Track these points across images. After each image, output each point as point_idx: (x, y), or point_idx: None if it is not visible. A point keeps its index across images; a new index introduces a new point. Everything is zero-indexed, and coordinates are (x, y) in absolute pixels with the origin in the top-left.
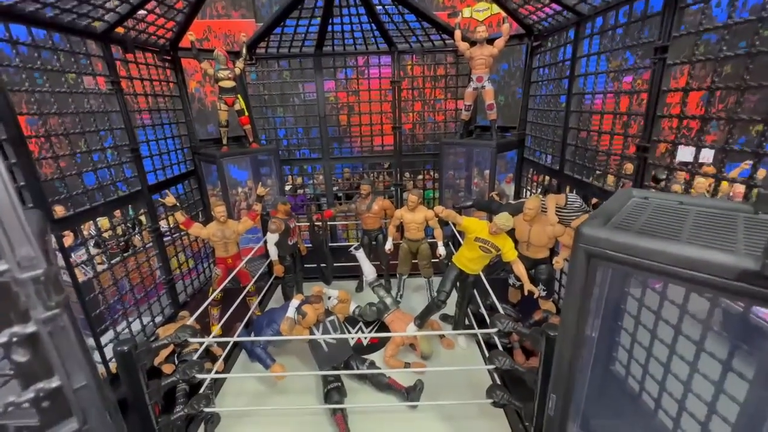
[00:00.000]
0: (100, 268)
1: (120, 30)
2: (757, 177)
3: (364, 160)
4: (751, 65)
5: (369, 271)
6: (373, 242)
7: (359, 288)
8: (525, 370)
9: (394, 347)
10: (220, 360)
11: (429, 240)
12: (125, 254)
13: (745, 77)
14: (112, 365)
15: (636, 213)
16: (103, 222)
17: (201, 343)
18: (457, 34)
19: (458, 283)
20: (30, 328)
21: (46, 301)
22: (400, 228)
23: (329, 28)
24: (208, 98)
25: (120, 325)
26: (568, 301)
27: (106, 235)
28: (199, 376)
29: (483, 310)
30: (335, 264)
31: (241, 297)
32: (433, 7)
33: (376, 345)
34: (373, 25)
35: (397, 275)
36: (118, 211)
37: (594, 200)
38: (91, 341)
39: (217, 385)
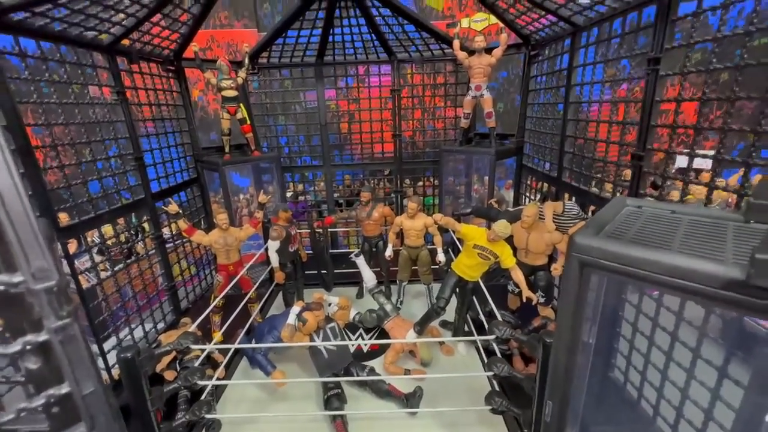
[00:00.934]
0: (103, 275)
1: (125, 42)
2: (754, 183)
3: (365, 167)
4: (740, 77)
5: (369, 277)
6: (374, 249)
7: (359, 295)
8: (523, 377)
9: (394, 354)
10: (222, 367)
11: (429, 247)
12: (128, 261)
13: (735, 89)
14: (114, 372)
15: (629, 222)
16: (107, 229)
17: (203, 350)
18: (456, 43)
19: (457, 290)
20: (42, 336)
21: (58, 310)
22: (400, 235)
23: (330, 38)
24: (211, 106)
25: (122, 331)
26: (563, 308)
27: (109, 242)
28: (201, 382)
29: (482, 317)
30: (336, 271)
31: (242, 304)
32: (432, 17)
33: (376, 352)
34: (373, 35)
35: (397, 282)
36: (121, 218)
37: (592, 208)
38: (94, 348)
39: (218, 391)
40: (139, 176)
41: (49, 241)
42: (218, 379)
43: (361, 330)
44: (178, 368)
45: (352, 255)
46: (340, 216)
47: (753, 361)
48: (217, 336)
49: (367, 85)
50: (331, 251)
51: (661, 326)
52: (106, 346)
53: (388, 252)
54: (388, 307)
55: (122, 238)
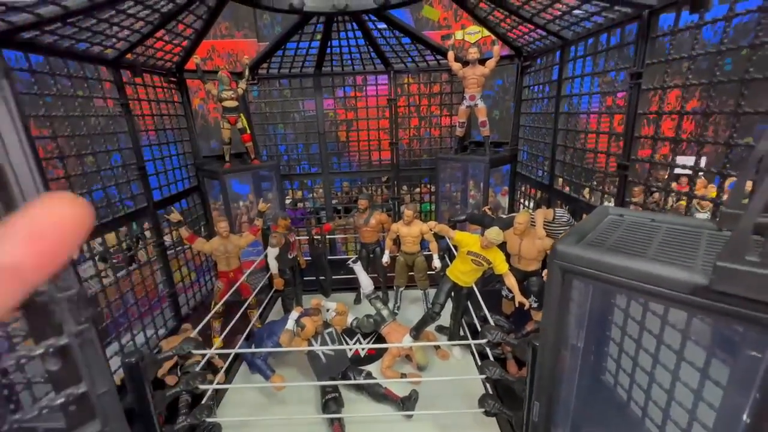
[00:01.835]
0: (105, 282)
1: (129, 56)
2: (746, 190)
3: (363, 175)
4: (713, 93)
5: (366, 283)
6: (371, 255)
7: (357, 300)
8: (514, 379)
9: (391, 358)
10: (222, 371)
11: (425, 253)
12: (130, 268)
13: (709, 104)
14: (116, 377)
15: (610, 230)
16: (110, 237)
17: (203, 355)
18: (450, 55)
19: (452, 295)
20: (63, 340)
21: (77, 316)
22: (397, 241)
23: (328, 50)
24: (211, 114)
25: (124, 337)
26: (547, 313)
27: (112, 250)
28: (202, 387)
29: (477, 322)
30: (334, 277)
31: (242, 310)
32: (428, 27)
33: (373, 356)
34: (370, 47)
35: (394, 287)
36: (124, 227)
37: (584, 215)
38: None
39: (218, 396)
40: (142, 185)
41: None
42: (218, 383)
43: (358, 335)
44: (179, 373)
45: (349, 261)
46: (339, 223)
47: (731, 362)
48: (218, 341)
49: (365, 95)
50: (329, 257)
51: (648, 329)
52: (108, 351)
53: (385, 258)
54: (385, 313)
55: (124, 245)
